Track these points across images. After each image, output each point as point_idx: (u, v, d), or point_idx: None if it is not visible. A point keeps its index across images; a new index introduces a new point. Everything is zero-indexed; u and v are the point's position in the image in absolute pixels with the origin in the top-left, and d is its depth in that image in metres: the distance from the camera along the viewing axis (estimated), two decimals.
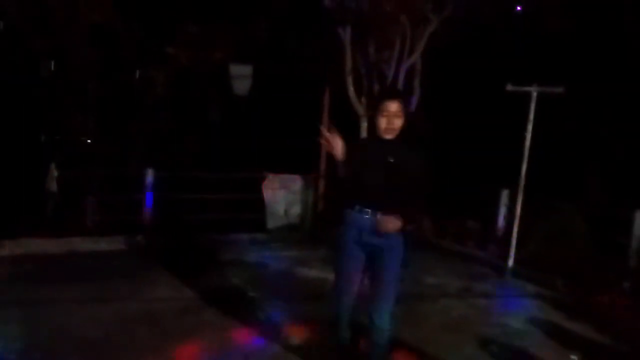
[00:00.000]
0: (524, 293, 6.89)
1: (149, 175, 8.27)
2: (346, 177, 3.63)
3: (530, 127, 7.18)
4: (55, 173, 8.27)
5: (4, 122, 11.10)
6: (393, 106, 3.57)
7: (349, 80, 8.95)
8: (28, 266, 6.70)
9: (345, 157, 3.54)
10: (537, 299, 6.62)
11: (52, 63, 10.95)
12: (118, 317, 5.17)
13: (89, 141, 11.94)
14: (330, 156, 3.60)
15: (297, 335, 4.92)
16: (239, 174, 9.24)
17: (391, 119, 3.57)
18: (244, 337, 4.88)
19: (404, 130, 3.61)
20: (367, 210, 3.67)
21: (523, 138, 7.22)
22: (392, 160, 3.60)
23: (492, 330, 5.49)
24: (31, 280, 6.14)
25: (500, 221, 8.84)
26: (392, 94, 3.92)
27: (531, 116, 7.15)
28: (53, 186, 8.23)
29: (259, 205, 8.82)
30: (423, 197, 3.76)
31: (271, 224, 9.32)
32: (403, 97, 3.79)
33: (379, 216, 3.61)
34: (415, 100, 9.19)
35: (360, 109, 8.97)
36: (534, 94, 7.12)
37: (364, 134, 8.89)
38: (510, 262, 7.42)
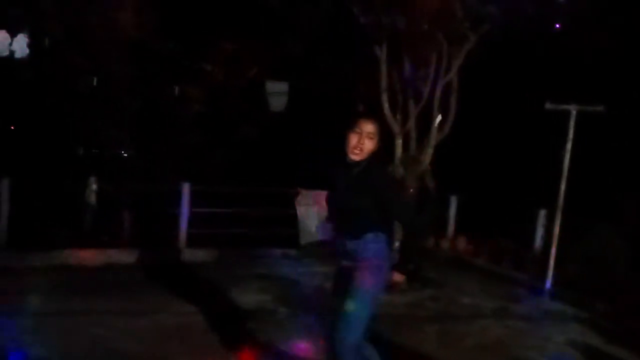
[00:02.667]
0: (562, 315, 6.72)
1: (186, 190, 8.34)
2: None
3: (569, 146, 7.06)
4: (94, 186, 8.40)
5: (44, 135, 11.37)
6: (368, 126, 3.45)
7: (384, 98, 8.90)
8: (65, 277, 6.83)
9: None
10: (575, 322, 6.45)
11: (95, 79, 11.18)
12: (152, 330, 5.22)
13: (125, 155, 12.12)
14: None
15: None
16: (273, 190, 9.26)
17: (363, 139, 3.44)
18: (275, 353, 4.86)
19: (376, 153, 3.48)
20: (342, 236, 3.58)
21: (562, 157, 7.10)
22: (352, 183, 3.49)
23: (529, 353, 5.37)
24: (68, 291, 6.24)
25: (538, 241, 8.66)
26: (369, 115, 3.68)
27: (570, 135, 7.04)
28: (92, 199, 8.35)
29: (292, 221, 8.81)
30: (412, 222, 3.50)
31: (304, 239, 9.30)
32: (379, 121, 3.60)
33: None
34: (451, 118, 9.09)
35: (396, 126, 8.92)
36: (573, 113, 7.01)
37: (399, 151, 8.83)
38: (548, 284, 7.26)
